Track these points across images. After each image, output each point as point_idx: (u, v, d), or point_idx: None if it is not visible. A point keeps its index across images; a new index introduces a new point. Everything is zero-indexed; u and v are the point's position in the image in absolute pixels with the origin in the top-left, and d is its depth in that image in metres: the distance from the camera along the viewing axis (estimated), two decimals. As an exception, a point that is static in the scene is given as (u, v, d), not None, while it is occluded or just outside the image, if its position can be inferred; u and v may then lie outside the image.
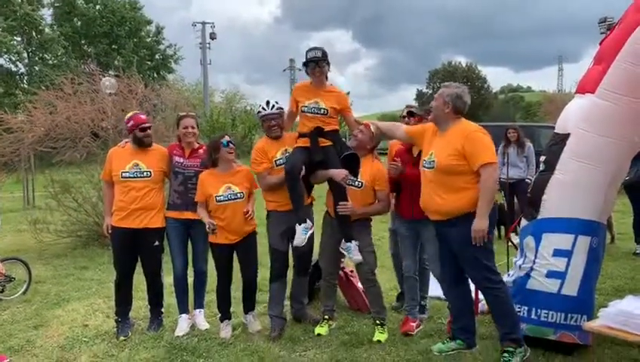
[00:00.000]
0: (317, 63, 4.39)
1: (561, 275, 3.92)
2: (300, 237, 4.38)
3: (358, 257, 4.38)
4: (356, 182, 4.47)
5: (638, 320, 3.32)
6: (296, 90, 4.66)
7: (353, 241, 4.37)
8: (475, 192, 3.80)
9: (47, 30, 37.88)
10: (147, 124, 4.65)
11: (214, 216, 4.45)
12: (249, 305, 4.78)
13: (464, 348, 4.17)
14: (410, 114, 4.88)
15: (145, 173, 4.59)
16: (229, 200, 4.44)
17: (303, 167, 4.38)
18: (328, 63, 4.47)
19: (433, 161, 3.94)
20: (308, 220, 4.43)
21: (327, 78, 4.55)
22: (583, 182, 3.75)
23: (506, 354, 3.85)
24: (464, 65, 49.56)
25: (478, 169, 3.76)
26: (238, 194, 4.46)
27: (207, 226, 4.37)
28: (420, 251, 4.71)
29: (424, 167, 4.07)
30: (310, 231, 4.45)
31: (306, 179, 4.47)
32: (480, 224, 3.77)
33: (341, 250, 4.45)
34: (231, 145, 4.47)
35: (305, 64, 4.45)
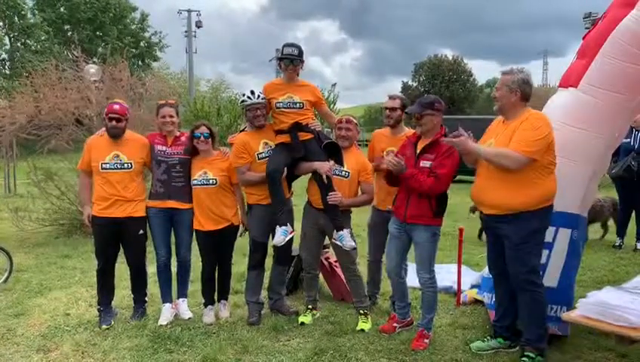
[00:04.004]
0: (292, 61, 4.39)
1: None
2: (280, 237, 4.39)
3: (352, 243, 4.38)
4: (343, 172, 4.48)
5: (614, 311, 3.39)
6: (267, 88, 4.56)
7: (345, 229, 4.39)
8: (540, 190, 3.62)
9: (29, 15, 37.24)
10: (116, 115, 4.46)
11: (194, 199, 4.61)
12: (221, 294, 4.86)
13: (505, 347, 4.01)
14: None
15: (126, 165, 4.52)
16: (202, 184, 4.53)
17: (285, 169, 4.40)
18: (302, 61, 4.48)
19: None
20: (289, 224, 4.44)
21: (298, 74, 4.55)
22: (564, 176, 3.79)
23: (525, 359, 3.72)
24: (450, 58, 49.60)
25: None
26: (211, 180, 4.51)
27: None
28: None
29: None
30: (290, 236, 4.45)
31: (288, 173, 4.48)
32: (466, 144, 3.65)
33: (334, 241, 4.45)
34: (202, 136, 4.50)
35: (279, 59, 4.44)
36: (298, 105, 4.46)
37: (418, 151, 4.08)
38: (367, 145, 5.13)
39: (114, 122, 4.48)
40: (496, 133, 3.82)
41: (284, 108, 4.47)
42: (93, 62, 9.69)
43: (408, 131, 4.69)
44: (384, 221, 4.65)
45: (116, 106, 4.52)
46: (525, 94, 3.70)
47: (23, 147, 10.98)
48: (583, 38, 4.26)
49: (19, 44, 36.88)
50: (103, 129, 4.65)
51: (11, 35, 36.82)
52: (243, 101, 4.53)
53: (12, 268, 6.02)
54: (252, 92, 4.47)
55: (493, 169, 3.71)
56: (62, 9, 38.99)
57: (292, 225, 4.51)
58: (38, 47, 36.67)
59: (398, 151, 4.29)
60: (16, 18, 36.06)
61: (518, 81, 3.69)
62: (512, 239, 3.69)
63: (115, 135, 4.52)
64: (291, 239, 4.55)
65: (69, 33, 39.60)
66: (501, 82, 3.77)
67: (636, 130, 7.17)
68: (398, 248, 4.28)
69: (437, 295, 4.29)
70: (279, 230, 4.39)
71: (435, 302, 4.28)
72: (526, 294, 3.76)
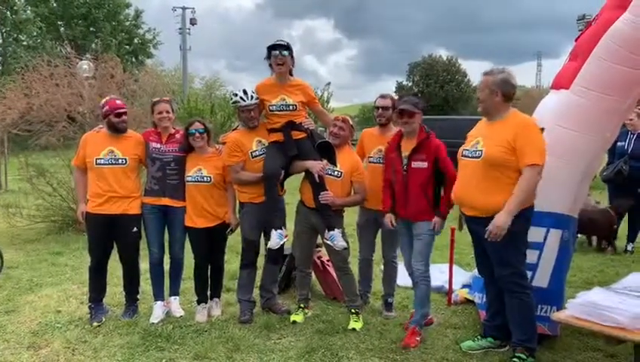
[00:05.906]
0: (281, 52, 4.36)
1: (532, 267, 4.00)
2: (275, 240, 4.41)
3: (343, 243, 4.39)
4: (335, 172, 4.49)
5: (603, 311, 3.41)
6: (259, 88, 4.53)
7: (336, 229, 4.40)
8: None
9: (21, 10, 36.96)
10: (122, 110, 4.54)
11: (187, 195, 4.60)
12: (214, 291, 4.86)
13: (496, 346, 4.01)
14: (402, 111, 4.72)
15: (120, 161, 4.53)
16: (196, 181, 4.53)
17: (282, 172, 4.41)
18: (293, 58, 4.47)
19: (480, 151, 3.68)
20: (284, 228, 4.45)
21: (291, 73, 4.54)
22: (555, 177, 3.81)
23: (515, 360, 3.70)
24: (445, 58, 49.71)
25: (522, 168, 3.54)
26: (205, 178, 4.52)
27: None
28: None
29: (464, 156, 3.82)
30: (285, 239, 4.47)
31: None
32: (500, 220, 3.51)
33: (325, 240, 4.46)
34: (197, 133, 4.51)
35: (268, 53, 4.40)
36: (291, 107, 4.46)
37: (408, 154, 4.15)
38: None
39: (123, 116, 4.54)
40: (482, 133, 3.81)
41: (278, 110, 4.47)
42: (86, 59, 9.65)
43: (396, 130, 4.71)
44: (373, 220, 4.68)
45: (119, 101, 4.62)
46: (507, 94, 3.69)
47: (16, 143, 10.94)
48: (576, 40, 4.29)
49: (11, 39, 36.58)
50: (100, 125, 4.66)
51: (3, 31, 36.54)
52: (236, 102, 4.49)
53: (2, 264, 6.00)
54: (245, 92, 4.43)
55: (474, 169, 3.71)
56: (55, 4, 38.71)
57: (286, 227, 4.52)
58: (31, 42, 36.41)
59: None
60: (8, 13, 35.78)
61: (498, 81, 3.68)
62: (492, 241, 3.68)
63: (123, 129, 4.57)
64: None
65: (62, 29, 39.33)
66: (483, 84, 3.76)
67: (631, 134, 7.19)
68: (408, 244, 4.31)
69: (430, 290, 4.31)
70: (275, 233, 4.40)
71: (428, 297, 4.30)
72: (513, 296, 3.75)
